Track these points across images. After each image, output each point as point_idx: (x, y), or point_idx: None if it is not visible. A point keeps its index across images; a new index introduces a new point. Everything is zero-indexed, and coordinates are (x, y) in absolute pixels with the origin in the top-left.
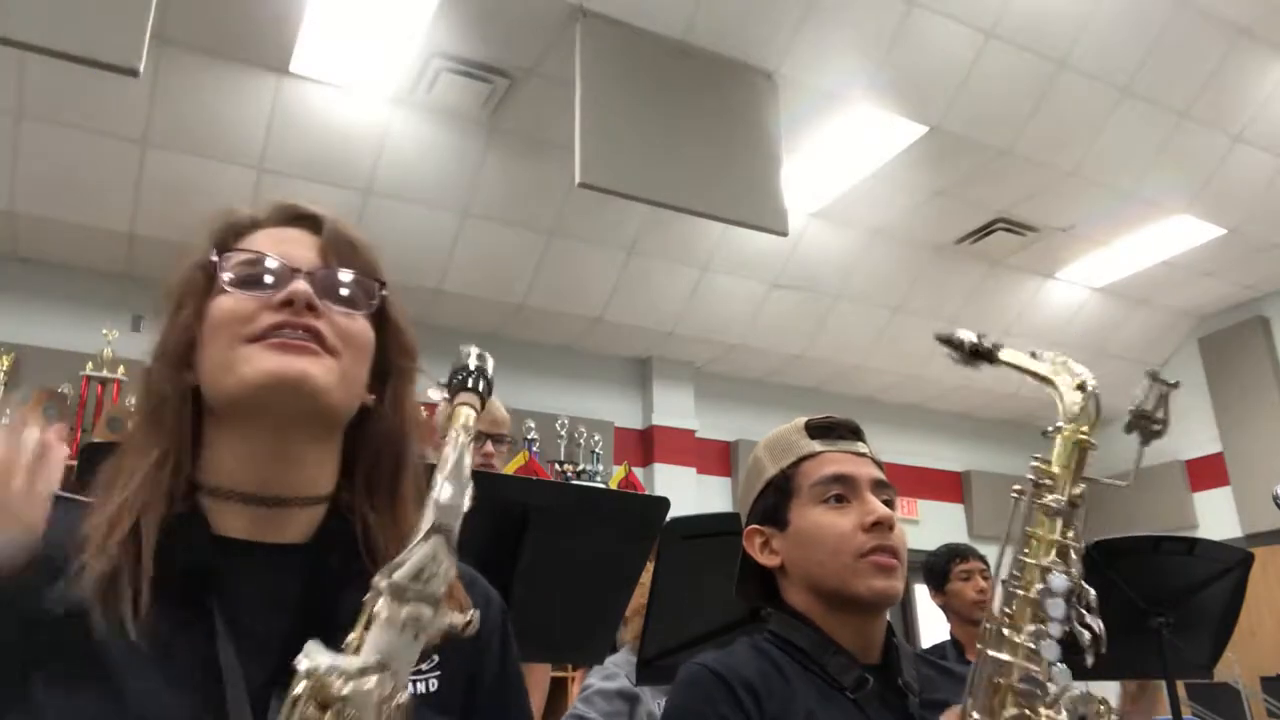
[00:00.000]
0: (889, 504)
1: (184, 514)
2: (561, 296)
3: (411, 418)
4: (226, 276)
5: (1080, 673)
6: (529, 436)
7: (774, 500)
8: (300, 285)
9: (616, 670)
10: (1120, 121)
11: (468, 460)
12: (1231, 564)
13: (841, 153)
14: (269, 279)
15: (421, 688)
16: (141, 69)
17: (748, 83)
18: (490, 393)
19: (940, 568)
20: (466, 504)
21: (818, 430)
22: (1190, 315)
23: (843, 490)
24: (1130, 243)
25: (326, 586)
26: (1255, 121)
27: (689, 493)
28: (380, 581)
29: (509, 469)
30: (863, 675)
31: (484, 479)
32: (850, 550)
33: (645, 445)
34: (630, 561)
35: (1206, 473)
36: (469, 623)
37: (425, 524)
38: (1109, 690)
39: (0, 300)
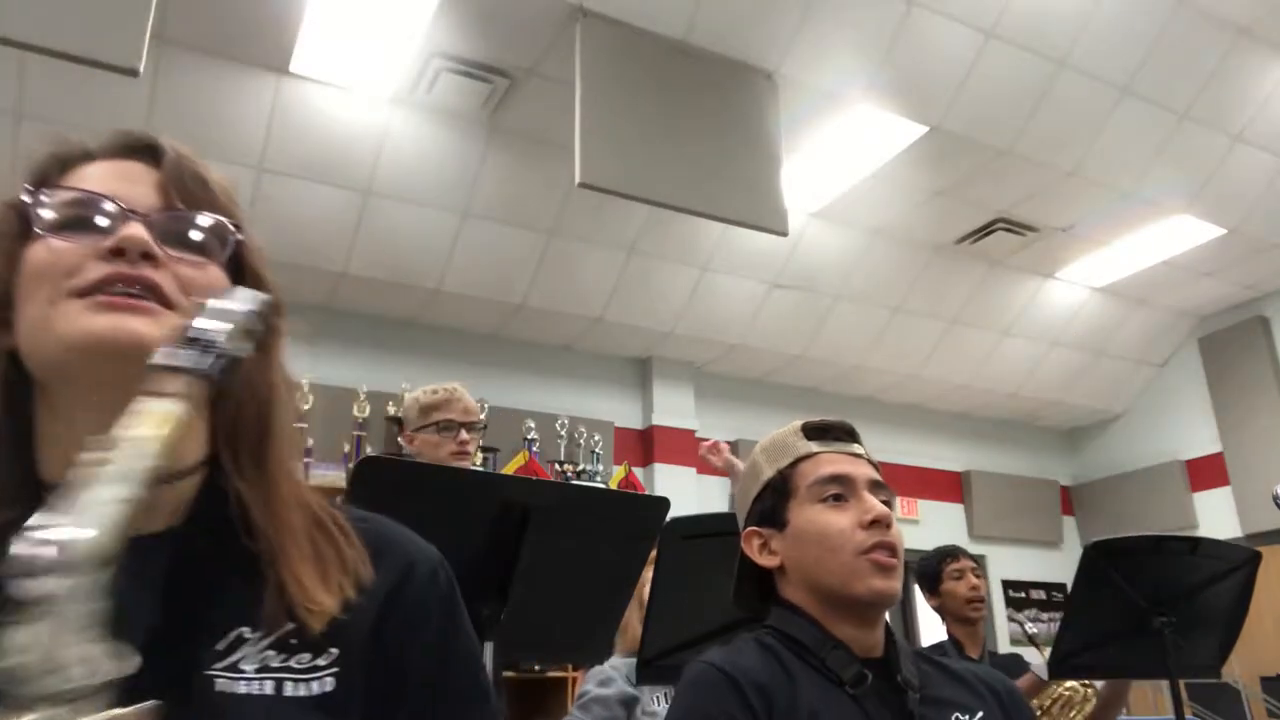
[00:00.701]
0: (886, 504)
1: (17, 518)
2: (561, 296)
3: (278, 374)
4: (45, 217)
5: (1084, 672)
6: (529, 437)
7: (772, 501)
8: (134, 230)
9: (613, 675)
10: (1120, 121)
11: (117, 493)
12: (1238, 563)
13: (841, 153)
14: (98, 222)
15: (315, 687)
16: (141, 69)
17: (748, 83)
18: (221, 372)
19: (932, 570)
20: (85, 558)
21: (814, 432)
22: (1190, 315)
23: (840, 490)
24: (1130, 243)
25: (195, 579)
26: (1255, 121)
27: (689, 493)
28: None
29: (509, 469)
30: (862, 671)
31: (484, 479)
32: (850, 548)
33: (645, 445)
34: (630, 561)
35: (1206, 473)
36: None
37: (28, 596)
38: None
39: None
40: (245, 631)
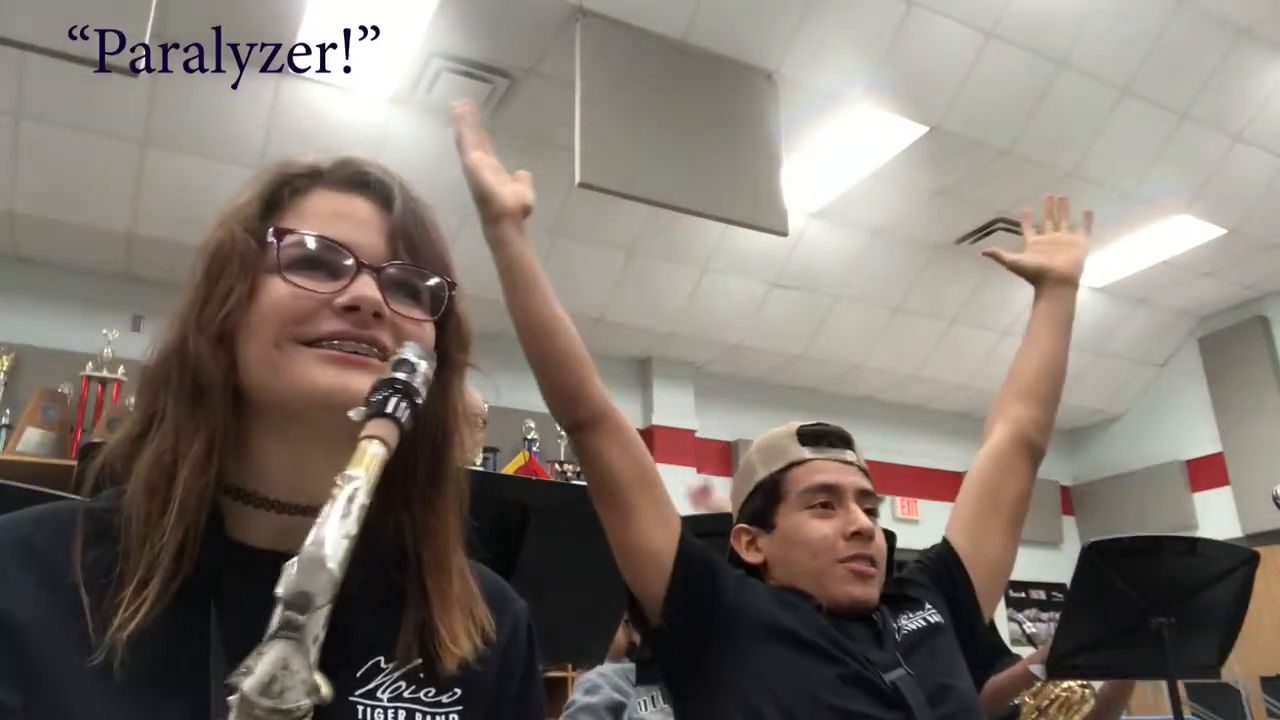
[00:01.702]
0: (873, 512)
1: (209, 517)
2: (561, 296)
3: (455, 414)
4: (285, 257)
5: (1082, 672)
6: (529, 437)
7: (762, 502)
8: (368, 291)
9: (599, 682)
10: (1120, 121)
11: (352, 528)
12: (1236, 563)
13: (841, 153)
14: (331, 269)
15: None
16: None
17: (748, 83)
18: (415, 416)
19: None
20: (330, 580)
21: (809, 437)
22: (1190, 315)
23: (829, 498)
24: (1130, 243)
25: (340, 604)
26: (1255, 121)
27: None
28: (234, 683)
29: (509, 469)
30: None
31: (484, 479)
32: (830, 555)
33: (645, 445)
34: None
35: (1206, 473)
36: None
37: (274, 619)
38: None
39: (0, 300)
40: (381, 661)
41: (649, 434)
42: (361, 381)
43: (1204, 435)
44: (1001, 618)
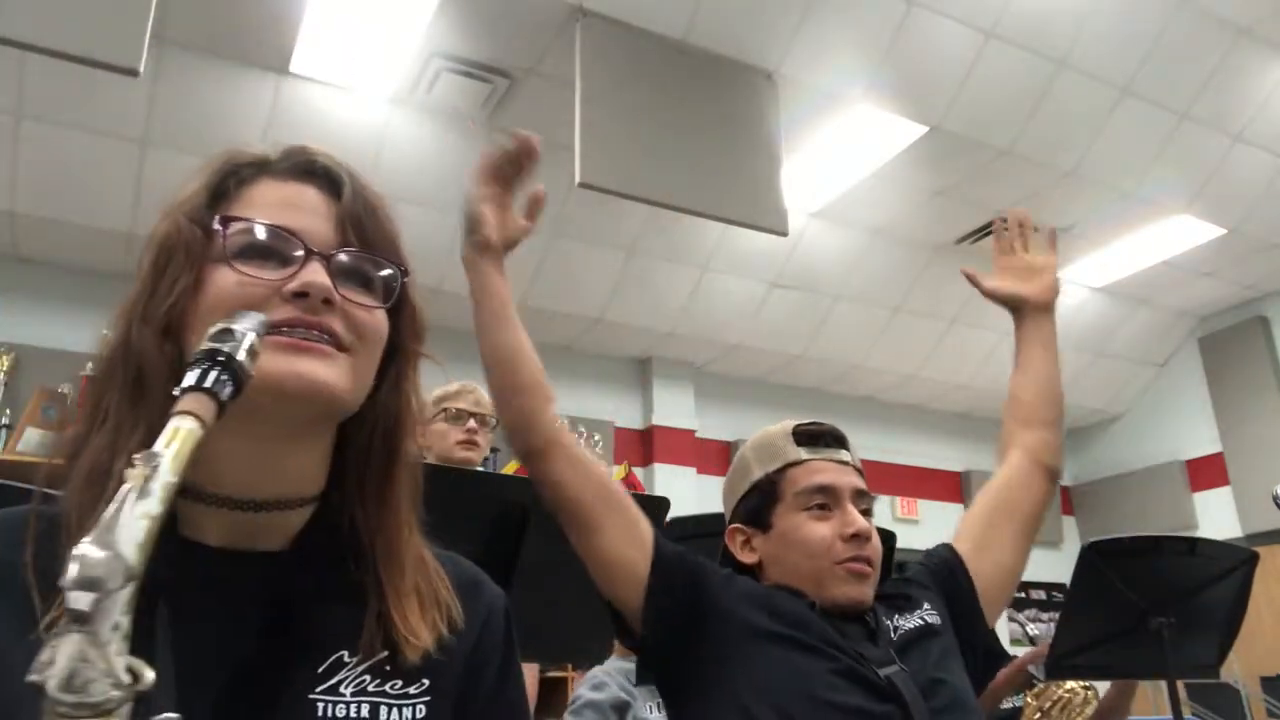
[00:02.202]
0: (868, 512)
1: (166, 515)
2: (561, 296)
3: (409, 406)
4: (232, 245)
5: (1082, 672)
6: None
7: (758, 503)
8: (317, 277)
9: (606, 679)
10: (1120, 121)
11: (151, 508)
12: (1235, 563)
13: (841, 153)
14: (280, 257)
15: (409, 713)
16: (141, 69)
17: (748, 83)
18: (239, 390)
19: None
20: (122, 565)
21: (804, 437)
22: (1190, 315)
23: (825, 499)
24: (1130, 243)
25: (300, 602)
26: (1255, 121)
27: (689, 493)
28: (38, 680)
29: (509, 469)
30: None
31: (484, 479)
32: (828, 557)
33: (645, 445)
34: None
35: (1206, 473)
36: None
37: (66, 610)
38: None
39: (0, 300)
40: (345, 655)
41: (649, 434)
42: (313, 367)
43: (1204, 435)
44: (1002, 618)
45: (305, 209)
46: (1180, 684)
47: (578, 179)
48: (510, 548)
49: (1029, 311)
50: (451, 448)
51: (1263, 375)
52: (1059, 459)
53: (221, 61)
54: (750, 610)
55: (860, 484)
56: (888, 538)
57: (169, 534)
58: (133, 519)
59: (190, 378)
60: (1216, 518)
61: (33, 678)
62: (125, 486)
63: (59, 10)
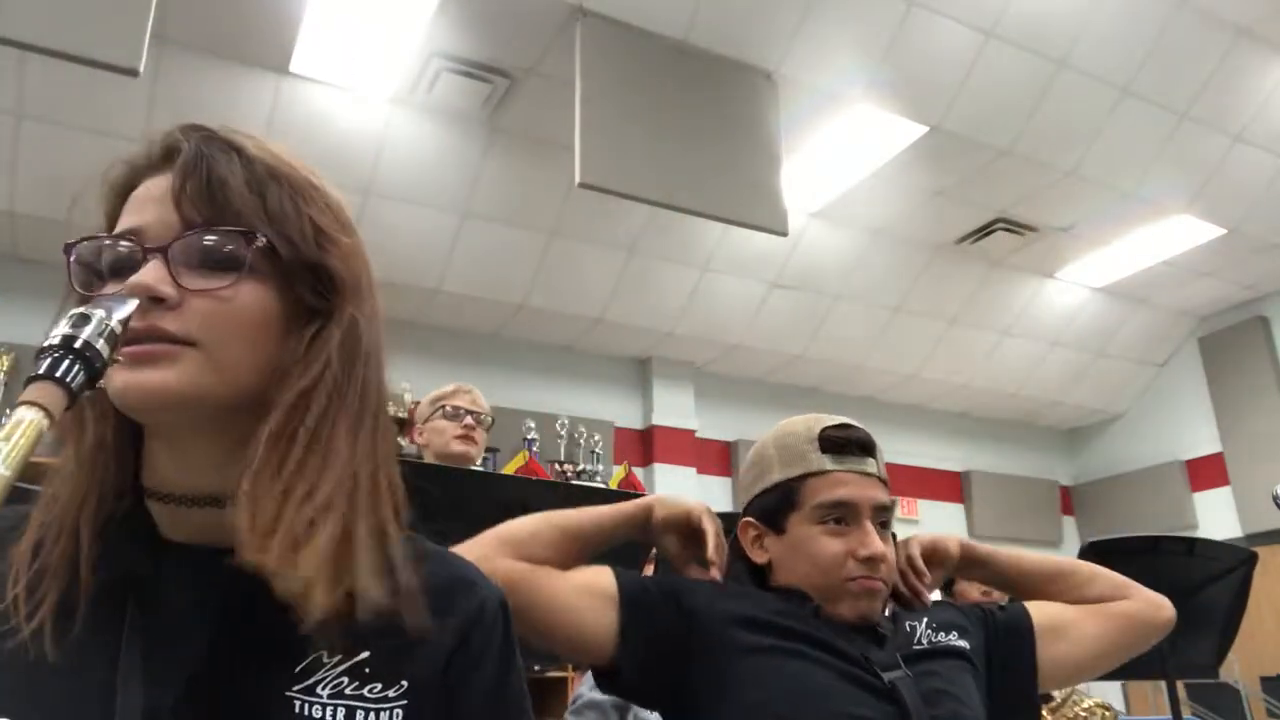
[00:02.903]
0: (887, 525)
1: (125, 515)
2: (561, 296)
3: (329, 375)
4: (76, 278)
5: None
6: (529, 437)
7: (775, 505)
8: (138, 278)
9: None
10: (1120, 121)
11: None
12: (1234, 563)
13: (841, 153)
14: (126, 266)
15: (385, 718)
16: (141, 69)
17: (748, 83)
18: (94, 382)
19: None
20: None
21: (830, 444)
22: (1190, 315)
23: (844, 514)
24: (1130, 243)
25: (258, 595)
26: (1255, 121)
27: (689, 493)
28: None
29: (509, 469)
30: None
31: (484, 479)
32: (839, 575)
33: (645, 445)
34: (630, 562)
35: (1206, 473)
36: None
37: None
38: (1109, 690)
39: (0, 300)
40: (323, 655)
41: (649, 434)
42: (148, 376)
43: (1204, 435)
44: None
45: (153, 200)
46: (1180, 684)
47: (578, 179)
48: None
49: (964, 569)
50: (449, 442)
51: (1263, 375)
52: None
53: (221, 61)
54: (737, 630)
55: (882, 498)
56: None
57: (145, 534)
58: None
59: (39, 366)
60: (1216, 518)
61: None
62: None
63: (59, 10)
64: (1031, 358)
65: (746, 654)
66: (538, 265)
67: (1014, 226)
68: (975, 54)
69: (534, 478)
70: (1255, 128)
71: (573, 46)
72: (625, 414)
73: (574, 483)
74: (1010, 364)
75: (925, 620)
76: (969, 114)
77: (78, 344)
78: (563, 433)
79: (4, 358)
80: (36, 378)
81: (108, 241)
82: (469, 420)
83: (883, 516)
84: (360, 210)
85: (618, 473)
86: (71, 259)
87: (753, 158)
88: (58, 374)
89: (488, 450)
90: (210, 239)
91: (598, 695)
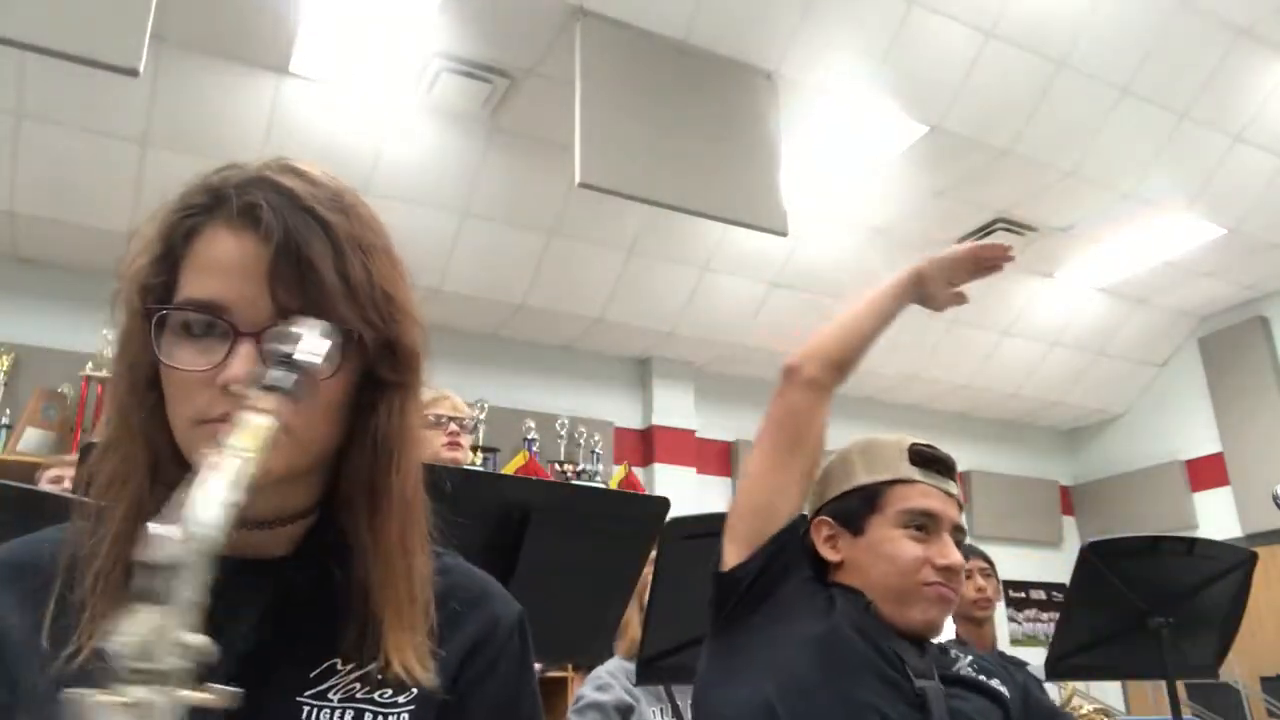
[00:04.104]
0: (960, 544)
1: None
2: (561, 296)
3: (396, 436)
4: (165, 340)
5: (1081, 673)
6: (529, 437)
7: (856, 507)
8: (239, 370)
9: (610, 680)
10: (1120, 121)
11: (222, 494)
12: (1234, 563)
13: (842, 153)
14: (216, 333)
15: None
16: (141, 69)
17: (748, 83)
18: (303, 391)
19: None
20: (198, 545)
21: (920, 458)
22: (1190, 315)
23: (926, 523)
24: (1130, 243)
25: (299, 608)
26: (1255, 121)
27: (689, 493)
28: (108, 652)
29: (509, 469)
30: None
31: (484, 479)
32: (916, 578)
33: (645, 445)
34: (630, 562)
35: (1206, 473)
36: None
37: (140, 585)
38: (1110, 690)
39: (0, 300)
40: (338, 663)
41: (649, 434)
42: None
43: (1204, 435)
44: (1001, 617)
45: (239, 272)
46: (1180, 684)
47: (578, 179)
48: (510, 548)
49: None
50: (438, 451)
51: (1263, 375)
52: None
53: (221, 61)
54: (802, 619)
55: (960, 520)
56: None
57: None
58: (211, 504)
59: (268, 378)
60: (1216, 518)
61: (102, 645)
62: (203, 473)
63: (59, 10)
64: (1031, 358)
65: (796, 639)
66: (537, 265)
67: (1014, 226)
68: (975, 54)
69: (534, 478)
70: (1255, 128)
71: (573, 46)
72: (625, 414)
73: (574, 483)
74: (1010, 364)
75: (970, 659)
76: (969, 114)
77: (294, 359)
78: (563, 433)
79: (4, 358)
80: (268, 388)
81: (196, 316)
82: (453, 427)
83: (957, 536)
84: None
85: (618, 473)
86: (157, 322)
87: (753, 158)
88: (288, 386)
89: (488, 450)
90: (305, 339)
91: (600, 696)
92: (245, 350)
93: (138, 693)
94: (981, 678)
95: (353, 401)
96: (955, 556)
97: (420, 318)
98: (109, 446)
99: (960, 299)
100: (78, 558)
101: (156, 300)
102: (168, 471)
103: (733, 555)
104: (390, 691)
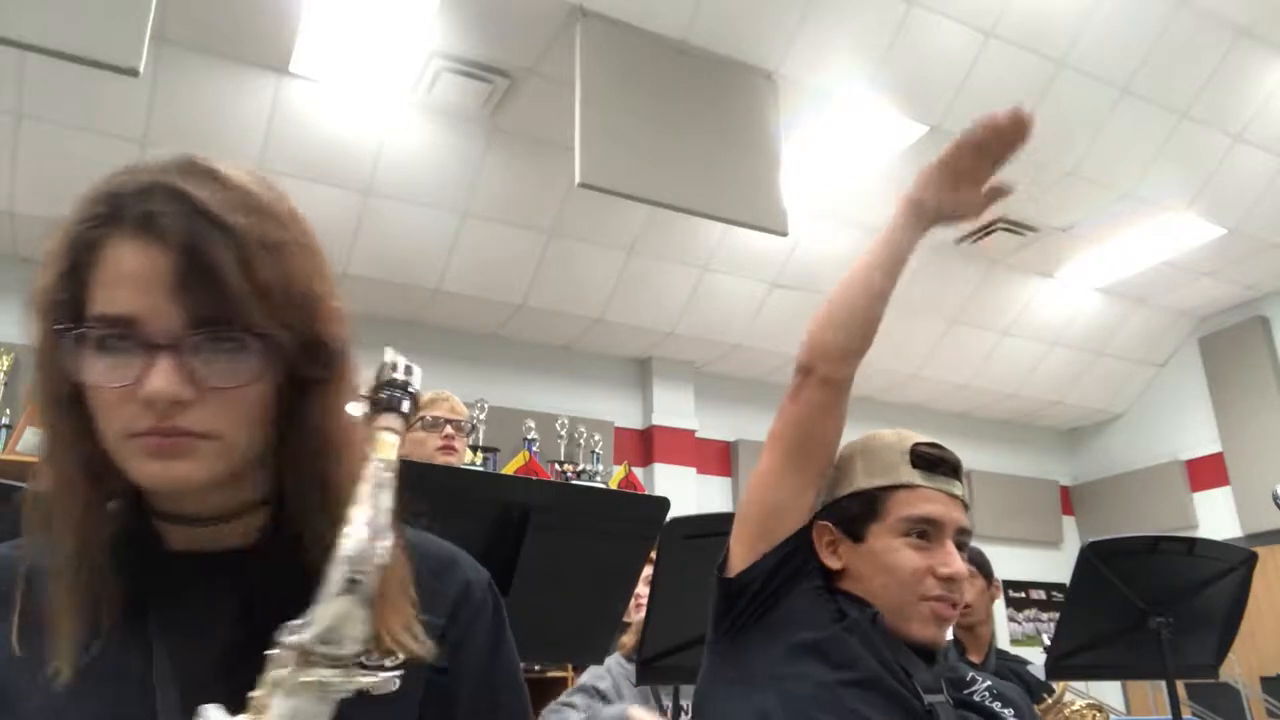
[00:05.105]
0: (964, 546)
1: (132, 531)
2: (561, 296)
3: (338, 431)
4: (81, 360)
5: (1081, 673)
6: (529, 437)
7: (857, 512)
8: (158, 384)
9: (604, 674)
10: (1120, 121)
11: (387, 502)
12: (1234, 563)
13: (841, 153)
14: (125, 355)
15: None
16: (141, 69)
17: (748, 83)
18: (415, 413)
19: None
20: (383, 551)
21: (922, 460)
22: (1190, 315)
23: (928, 530)
24: (1130, 243)
25: (267, 593)
26: (1255, 121)
27: (689, 493)
28: (286, 640)
29: (509, 469)
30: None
31: (484, 479)
32: (916, 591)
33: (645, 445)
34: (630, 562)
35: (1206, 473)
36: (386, 679)
37: (334, 579)
38: (1109, 690)
39: (0, 300)
40: None
41: (649, 434)
42: (175, 469)
43: (1204, 435)
44: (1001, 617)
45: (144, 285)
46: (1180, 684)
47: (578, 179)
48: (510, 548)
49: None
50: (431, 454)
51: (1263, 375)
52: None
53: (221, 61)
54: (807, 629)
55: (965, 521)
56: None
57: (154, 548)
58: (382, 510)
59: (388, 401)
60: (1216, 518)
61: (285, 636)
62: (368, 485)
63: (59, 10)
64: (1031, 358)
65: (797, 650)
66: (537, 265)
67: (1014, 226)
68: (975, 54)
69: (534, 478)
70: (1255, 128)
71: (573, 46)
72: (625, 414)
73: (574, 483)
74: (1010, 364)
75: (988, 684)
76: (969, 114)
77: (405, 385)
78: (563, 433)
79: (4, 358)
80: (390, 410)
81: (108, 332)
82: (448, 430)
83: (962, 539)
84: (360, 210)
85: (618, 473)
86: (69, 342)
87: (753, 158)
88: (404, 410)
89: (488, 450)
90: (219, 341)
91: (587, 680)
92: (163, 363)
93: (323, 674)
94: (997, 705)
95: (281, 402)
96: (957, 565)
97: (341, 312)
98: (47, 459)
99: (995, 194)
100: (36, 569)
101: (68, 317)
102: (108, 480)
103: (739, 558)
104: (377, 656)
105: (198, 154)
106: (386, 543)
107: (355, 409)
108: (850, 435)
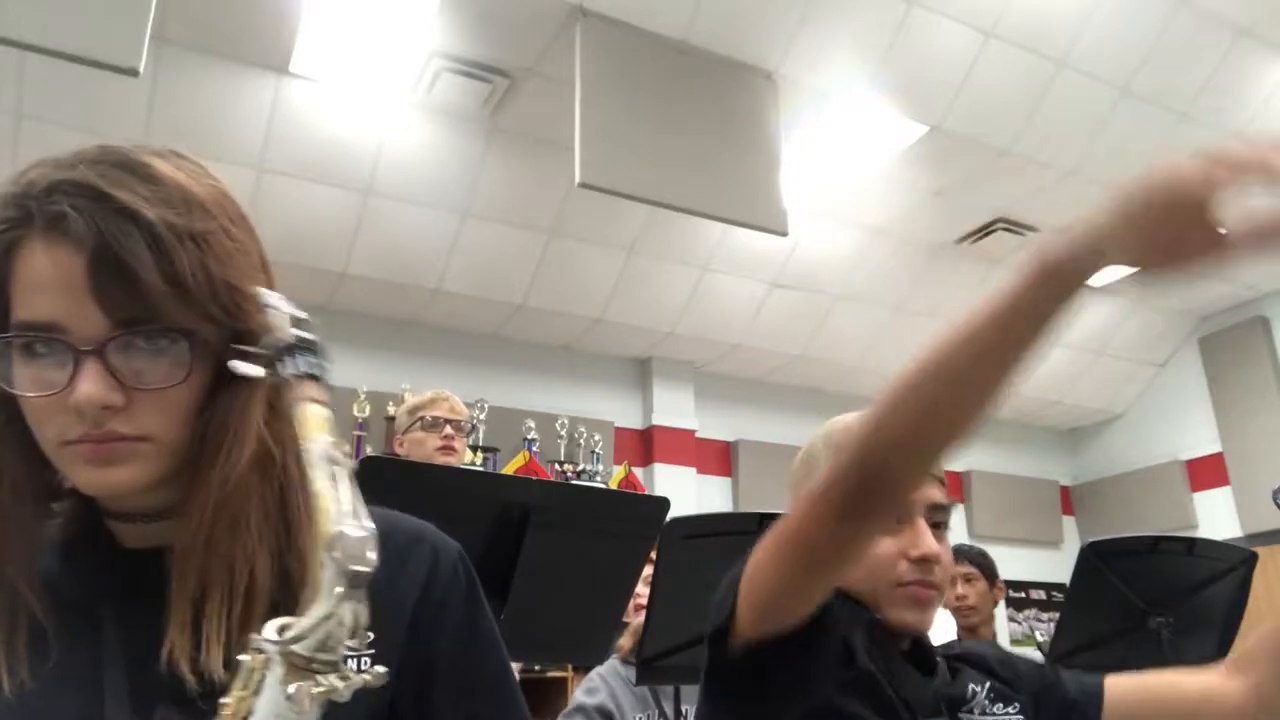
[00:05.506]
0: (943, 524)
1: (85, 531)
2: (561, 296)
3: (238, 425)
4: (9, 368)
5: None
6: (529, 437)
7: None
8: (86, 390)
9: (598, 684)
10: (1120, 121)
11: (347, 491)
12: (1234, 563)
13: (841, 153)
14: (52, 361)
15: (351, 665)
16: (141, 69)
17: (748, 83)
18: (326, 373)
19: None
20: (373, 549)
21: None
22: (1190, 315)
23: (896, 513)
24: None
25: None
26: (1255, 121)
27: (689, 493)
28: (270, 646)
29: (509, 469)
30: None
31: (484, 479)
32: (889, 578)
33: (645, 445)
34: (630, 561)
35: (1206, 473)
36: (380, 674)
37: (327, 585)
38: None
39: None
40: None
41: (649, 434)
42: (117, 474)
43: (1204, 435)
44: (1001, 618)
45: (61, 289)
46: None
47: (578, 179)
48: (510, 548)
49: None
50: (431, 454)
51: (1263, 375)
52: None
53: (221, 61)
54: (817, 688)
55: (938, 496)
56: None
57: (105, 546)
58: (359, 500)
59: (303, 366)
60: (1216, 518)
61: (271, 636)
62: (338, 469)
63: (59, 10)
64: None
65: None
66: (537, 265)
67: (1014, 226)
68: (975, 54)
69: (534, 478)
70: (1255, 128)
71: (573, 46)
72: (625, 414)
73: (574, 483)
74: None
75: (987, 685)
76: (969, 114)
77: (312, 343)
78: (563, 433)
79: None
80: (307, 377)
81: (32, 338)
82: (448, 430)
83: (937, 516)
84: (360, 210)
85: (618, 473)
86: None
87: (753, 158)
88: (320, 374)
89: (488, 450)
90: (144, 342)
91: (585, 699)
92: (90, 369)
93: (325, 679)
94: (999, 708)
95: (211, 397)
96: (927, 545)
97: (270, 303)
98: None
99: (1225, 246)
100: None
101: None
102: (49, 483)
103: (745, 624)
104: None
105: (124, 143)
106: (374, 544)
107: (249, 369)
108: None
